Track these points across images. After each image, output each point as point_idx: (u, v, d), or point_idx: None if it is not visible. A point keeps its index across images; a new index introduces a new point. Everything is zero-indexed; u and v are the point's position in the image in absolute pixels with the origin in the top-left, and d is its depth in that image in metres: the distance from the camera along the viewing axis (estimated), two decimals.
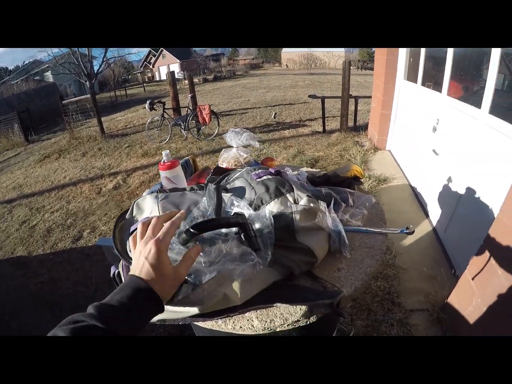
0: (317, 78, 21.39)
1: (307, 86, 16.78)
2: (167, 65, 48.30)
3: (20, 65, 34.58)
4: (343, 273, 0.97)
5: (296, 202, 1.07)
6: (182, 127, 7.83)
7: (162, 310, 0.68)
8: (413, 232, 1.12)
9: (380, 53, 5.16)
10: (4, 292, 3.36)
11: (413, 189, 3.81)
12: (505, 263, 1.55)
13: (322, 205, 1.04)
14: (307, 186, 1.25)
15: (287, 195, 1.07)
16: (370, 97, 6.05)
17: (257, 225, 0.91)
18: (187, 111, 8.02)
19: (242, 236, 0.85)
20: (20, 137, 12.34)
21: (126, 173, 6.27)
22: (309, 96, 7.74)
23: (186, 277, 0.80)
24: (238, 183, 1.17)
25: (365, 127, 6.33)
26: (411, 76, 4.44)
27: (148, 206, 1.12)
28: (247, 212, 0.94)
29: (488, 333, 1.65)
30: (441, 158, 3.06)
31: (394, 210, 3.43)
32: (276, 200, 1.05)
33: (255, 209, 1.03)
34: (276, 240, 0.93)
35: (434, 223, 3.09)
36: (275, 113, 9.41)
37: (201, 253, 0.83)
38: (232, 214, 0.94)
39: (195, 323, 0.87)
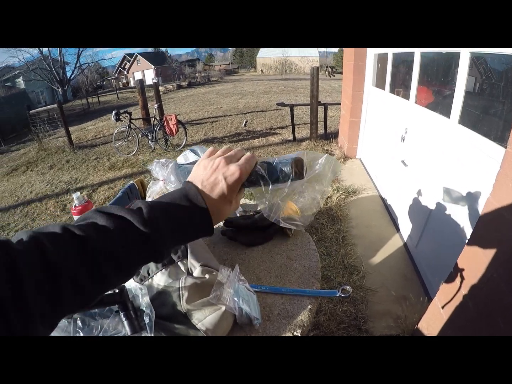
0: (291, 83, 21.49)
1: (281, 92, 16.80)
2: (142, 71, 48.00)
3: None
4: None
5: (189, 271, 0.91)
6: (150, 138, 7.60)
7: (211, 233, 0.60)
8: (350, 295, 0.96)
9: (348, 59, 5.05)
10: None
11: (384, 201, 3.67)
12: (475, 296, 1.41)
13: (223, 273, 0.86)
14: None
15: (179, 263, 0.91)
16: (340, 103, 5.94)
17: (140, 301, 0.78)
18: (153, 121, 7.80)
19: (122, 316, 0.72)
20: None
21: (92, 188, 6.04)
22: (277, 104, 7.62)
23: None
24: None
25: (336, 135, 6.21)
26: (380, 82, 4.33)
27: None
28: (132, 284, 0.80)
29: None
30: (411, 169, 2.93)
31: (363, 224, 3.28)
32: (163, 270, 0.89)
33: (141, 280, 0.87)
34: (164, 318, 0.80)
35: (405, 238, 2.95)
36: (246, 121, 9.27)
37: (80, 331, 0.75)
38: None
39: None
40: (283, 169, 0.66)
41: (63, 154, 8.84)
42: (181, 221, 0.56)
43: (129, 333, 0.71)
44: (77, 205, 1.28)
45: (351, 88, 4.90)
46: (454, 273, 1.59)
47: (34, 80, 29.25)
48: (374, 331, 2.12)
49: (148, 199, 1.58)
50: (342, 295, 0.96)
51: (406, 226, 2.95)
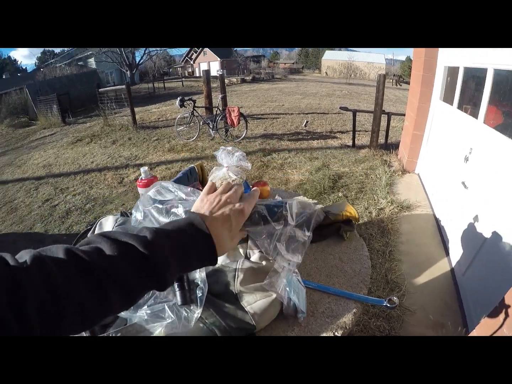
0: (355, 88, 21.06)
1: (344, 96, 16.53)
2: (208, 62, 48.93)
3: (65, 49, 35.94)
4: None
5: (247, 256, 0.95)
6: (211, 126, 7.80)
7: (215, 261, 0.63)
8: (396, 306, 0.95)
9: (417, 69, 4.88)
10: None
11: (437, 221, 3.53)
12: None
13: (281, 263, 0.88)
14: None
15: (238, 246, 0.95)
16: (404, 114, 5.75)
17: (196, 275, 0.81)
18: (216, 111, 7.99)
19: (176, 286, 0.75)
20: (57, 118, 12.91)
21: (150, 166, 6.32)
22: (341, 108, 7.51)
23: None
24: None
25: (396, 146, 6.02)
26: (448, 97, 4.15)
27: (107, 228, 1.07)
28: None
29: None
30: (470, 192, 2.80)
31: (413, 241, 3.18)
32: None
33: None
34: (215, 295, 0.84)
35: (453, 264, 2.82)
36: (307, 121, 9.22)
37: None
38: None
39: None
40: (281, 210, 0.76)
41: (126, 132, 9.30)
42: (185, 247, 0.57)
43: (179, 303, 0.74)
44: (143, 178, 1.37)
45: (418, 99, 4.73)
46: (499, 308, 1.50)
47: (105, 61, 31.29)
48: None
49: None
50: (388, 305, 0.96)
51: (456, 251, 2.82)
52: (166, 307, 0.76)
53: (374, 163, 5.44)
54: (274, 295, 0.86)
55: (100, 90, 11.48)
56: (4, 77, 30.60)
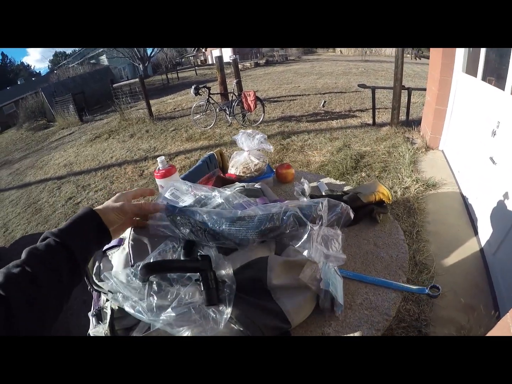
0: (372, 65, 20.39)
1: (361, 74, 16.07)
2: (220, 49, 48.43)
3: (77, 49, 36.43)
4: None
5: (277, 252, 0.88)
6: (227, 112, 7.76)
7: (105, 232, 0.78)
8: (439, 294, 0.91)
9: None
10: None
11: (464, 199, 3.41)
12: None
13: (317, 255, 0.81)
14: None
15: (264, 243, 0.87)
16: (425, 89, 5.54)
17: (223, 272, 0.75)
18: (231, 96, 7.93)
19: (201, 285, 0.71)
20: (74, 117, 13.15)
21: (169, 157, 6.36)
22: (359, 85, 7.31)
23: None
24: None
25: (418, 122, 5.82)
26: (471, 68, 3.95)
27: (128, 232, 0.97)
28: (215, 254, 0.79)
29: None
30: (499, 168, 2.67)
31: (440, 221, 3.09)
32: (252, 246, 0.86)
33: (225, 254, 0.84)
34: (245, 292, 0.77)
35: (483, 243, 2.72)
36: (325, 101, 9.04)
37: (155, 296, 0.72)
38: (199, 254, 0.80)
39: None
40: (315, 211, 0.83)
41: (143, 125, 9.37)
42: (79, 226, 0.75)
43: (206, 304, 0.70)
44: (160, 168, 1.33)
45: (439, 72, 4.53)
46: None
47: (116, 57, 31.69)
48: None
49: (231, 169, 1.62)
50: (431, 293, 0.91)
51: (485, 230, 2.71)
52: (191, 309, 0.69)
53: (396, 140, 5.28)
54: (309, 290, 0.81)
55: (114, 85, 11.55)
56: (19, 82, 31.29)
